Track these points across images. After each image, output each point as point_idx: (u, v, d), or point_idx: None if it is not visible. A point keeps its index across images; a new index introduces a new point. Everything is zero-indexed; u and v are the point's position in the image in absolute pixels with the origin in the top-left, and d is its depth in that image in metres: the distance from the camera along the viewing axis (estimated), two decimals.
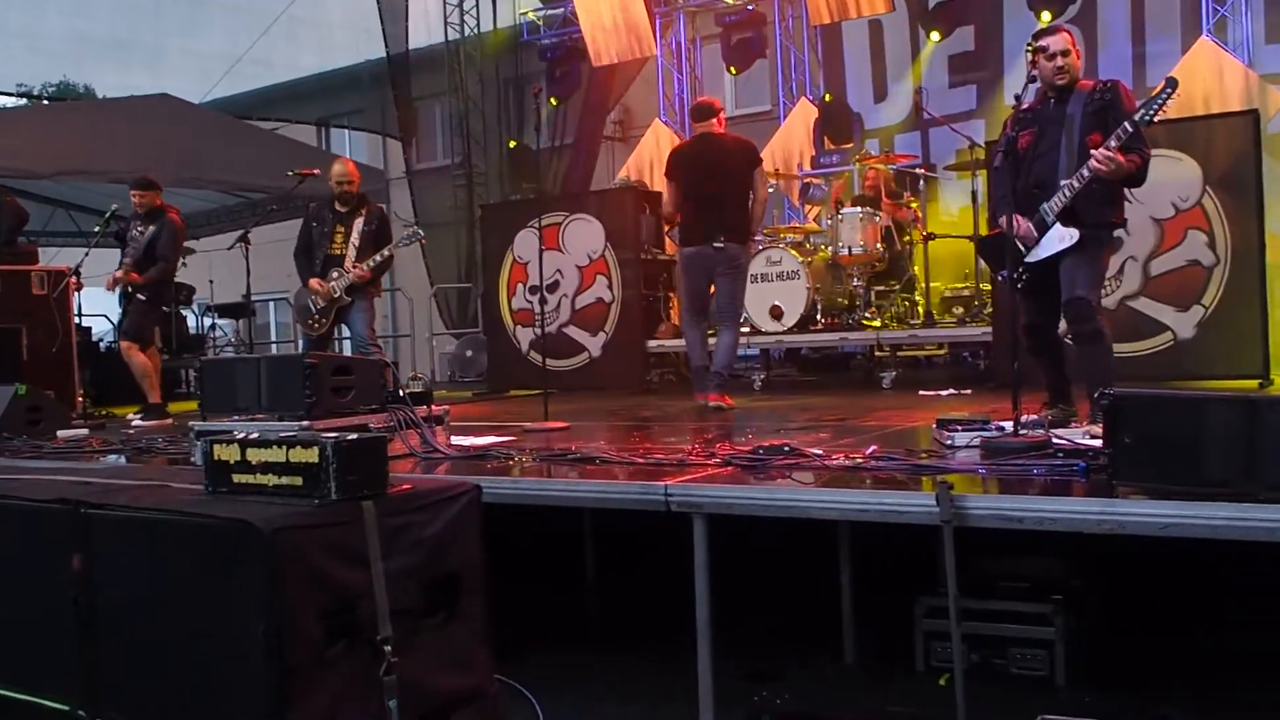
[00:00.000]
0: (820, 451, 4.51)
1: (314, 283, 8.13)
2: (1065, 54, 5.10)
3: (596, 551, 5.95)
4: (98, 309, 14.10)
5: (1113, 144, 4.81)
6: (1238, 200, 7.27)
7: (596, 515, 5.64)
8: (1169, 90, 4.82)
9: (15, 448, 6.59)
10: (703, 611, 3.87)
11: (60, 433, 7.34)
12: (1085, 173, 4.89)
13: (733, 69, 13.49)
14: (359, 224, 8.09)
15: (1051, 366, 5.32)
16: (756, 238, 8.54)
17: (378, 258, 8.00)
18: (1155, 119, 4.82)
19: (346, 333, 8.62)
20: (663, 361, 10.86)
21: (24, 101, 13.90)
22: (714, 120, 7.63)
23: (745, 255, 7.70)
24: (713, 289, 7.66)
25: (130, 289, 8.89)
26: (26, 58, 13.12)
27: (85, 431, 7.57)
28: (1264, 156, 7.35)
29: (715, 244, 7.39)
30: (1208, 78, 9.93)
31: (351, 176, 8.23)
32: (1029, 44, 5.18)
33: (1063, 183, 5.00)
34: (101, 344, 13.28)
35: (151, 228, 8.89)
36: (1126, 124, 4.80)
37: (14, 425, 7.16)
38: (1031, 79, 5.17)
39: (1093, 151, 4.85)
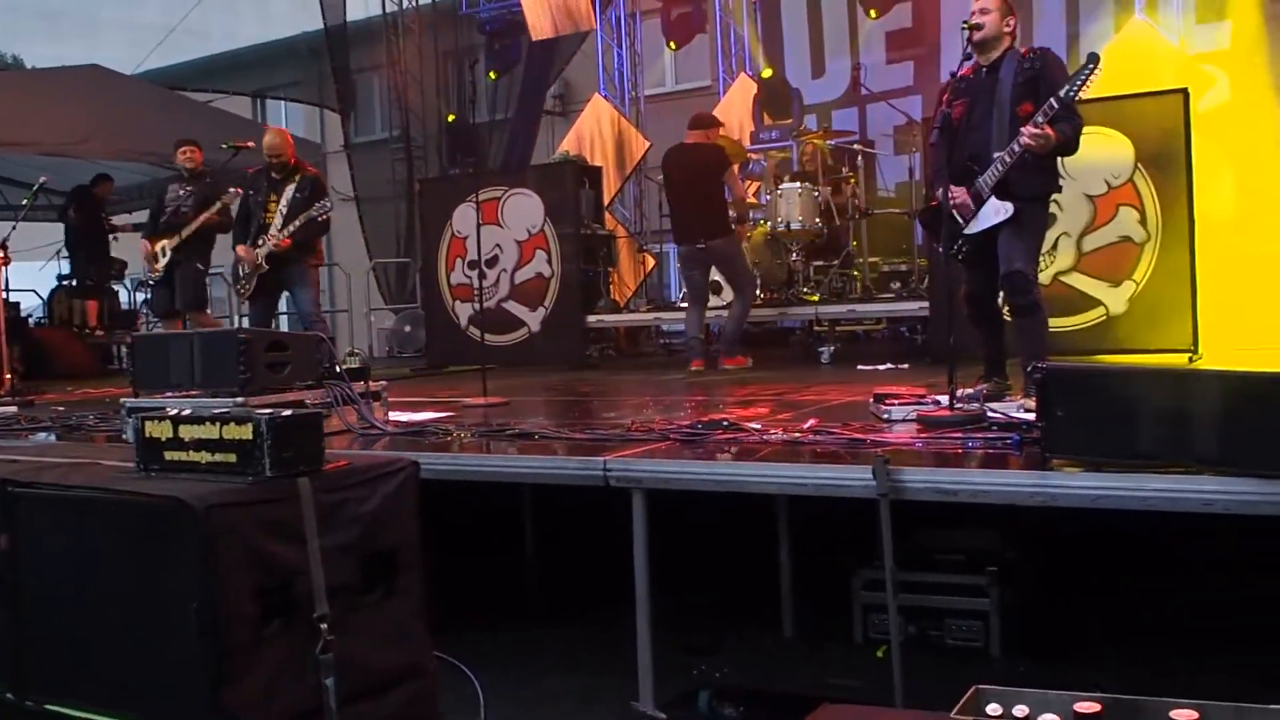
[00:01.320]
0: (759, 426, 4.53)
1: (240, 249, 8.15)
2: (984, 11, 5.12)
3: (536, 526, 5.94)
4: (26, 284, 13.82)
5: (1040, 119, 4.86)
6: (1169, 178, 7.38)
7: (536, 490, 5.63)
8: (1090, 65, 4.84)
9: None
10: (642, 586, 3.89)
11: None
12: (1016, 147, 4.94)
13: (672, 44, 13.47)
14: (289, 191, 8.01)
15: (990, 338, 5.38)
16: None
17: (295, 224, 7.91)
18: (1079, 94, 4.87)
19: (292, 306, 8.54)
20: (602, 337, 10.84)
21: None
22: (704, 132, 8.56)
23: (732, 244, 8.61)
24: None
25: (174, 253, 8.83)
26: None
27: (13, 409, 7.41)
28: (1194, 135, 7.46)
29: (698, 245, 8.43)
30: (1140, 57, 10.06)
31: (280, 148, 8.17)
32: (965, 24, 5.13)
33: (996, 155, 5.03)
34: (31, 319, 13.02)
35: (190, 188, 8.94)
36: (1053, 100, 4.85)
37: None
38: (967, 55, 5.20)
39: (1023, 129, 4.90)
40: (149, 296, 9.44)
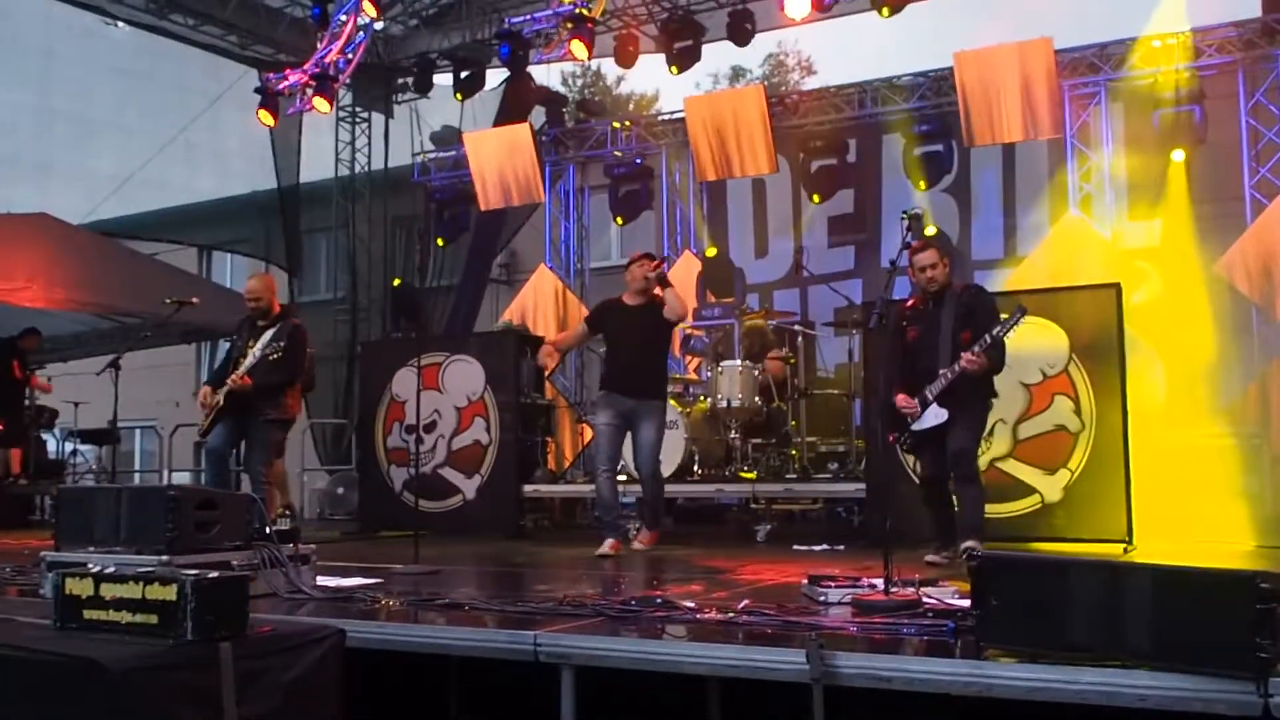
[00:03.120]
0: (693, 604, 4.48)
1: (204, 389, 8.07)
2: (934, 266, 6.56)
3: (461, 700, 5.76)
4: None
5: (978, 348, 6.23)
6: (1102, 368, 7.59)
7: (463, 663, 5.49)
8: (1019, 315, 6.21)
9: None
10: None
11: None
12: (957, 368, 6.28)
13: (619, 219, 13.78)
14: (266, 336, 7.80)
15: (941, 514, 6.59)
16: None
17: (251, 370, 7.72)
18: (1007, 336, 6.25)
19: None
20: (538, 506, 10.76)
21: None
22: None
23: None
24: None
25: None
26: None
27: None
28: (1127, 327, 7.72)
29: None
30: (1075, 250, 10.48)
31: (259, 292, 8.11)
32: (904, 213, 6.34)
33: (941, 370, 6.36)
34: None
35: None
36: (987, 337, 6.22)
37: None
38: (906, 245, 6.12)
39: (963, 355, 6.25)
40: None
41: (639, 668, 3.79)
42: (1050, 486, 7.66)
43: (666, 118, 14.53)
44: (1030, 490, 7.71)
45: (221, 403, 7.87)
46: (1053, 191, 11.57)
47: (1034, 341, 7.49)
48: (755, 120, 12.05)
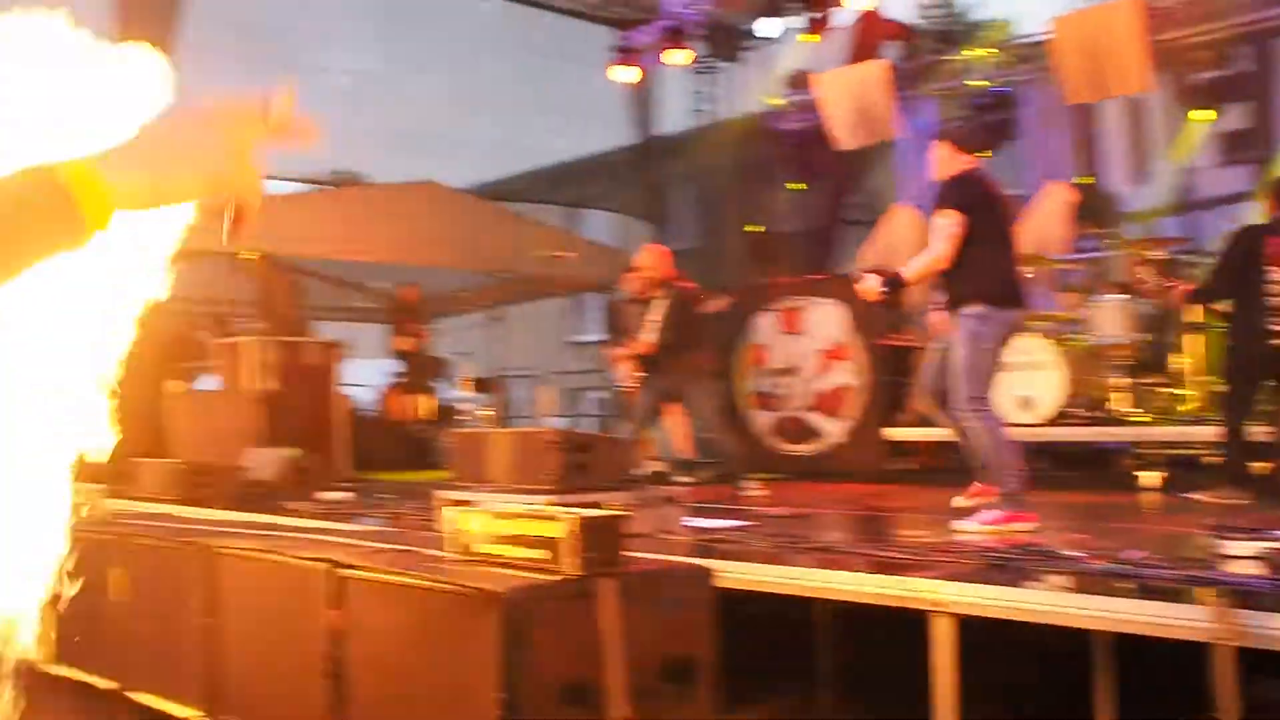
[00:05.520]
0: (1077, 553, 4.25)
1: (612, 351, 9.05)
2: None
3: (830, 645, 5.77)
4: (362, 379, 14.96)
5: None
6: None
7: (829, 607, 5.48)
8: None
9: (284, 506, 6.99)
10: (943, 718, 3.68)
11: (324, 494, 7.74)
12: None
13: (982, 152, 13.20)
14: (659, 305, 8.55)
15: None
16: None
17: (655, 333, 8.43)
18: None
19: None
20: (904, 450, 10.56)
21: (308, 187, 14.96)
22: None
23: None
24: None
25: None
26: (312, 147, 14.11)
27: (348, 494, 7.96)
28: None
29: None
30: None
31: (647, 263, 8.83)
32: None
33: None
34: (363, 412, 14.01)
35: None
36: None
37: (284, 485, 7.63)
38: None
39: None
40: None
41: (1017, 618, 3.63)
42: None
43: (1028, 41, 13.76)
44: None
45: (632, 367, 8.63)
46: None
47: None
48: (1129, 35, 11.14)
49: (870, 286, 5.88)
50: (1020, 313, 5.82)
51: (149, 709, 4.51)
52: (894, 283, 5.78)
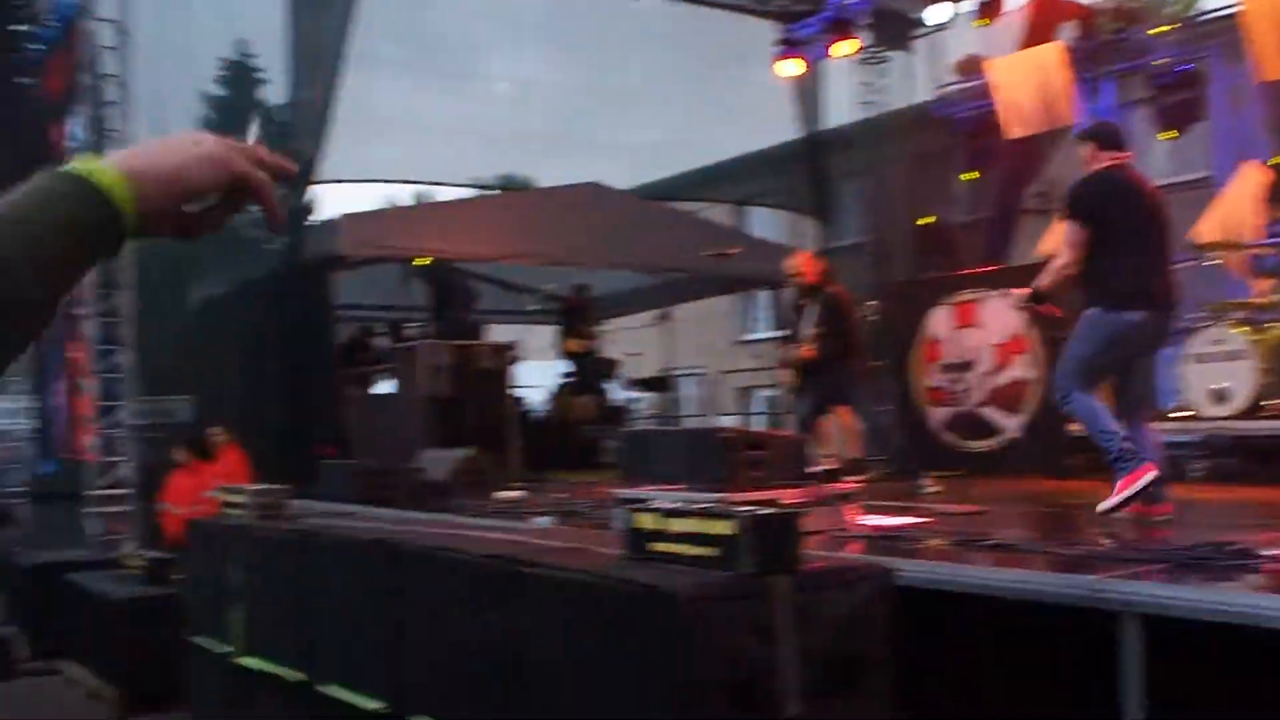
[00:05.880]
0: (1276, 551, 4.02)
1: (784, 351, 9.14)
2: None
3: (1006, 643, 5.60)
4: (533, 380, 15.26)
5: None
6: None
7: (1013, 606, 5.32)
8: None
9: (459, 506, 7.19)
10: None
11: (498, 494, 7.92)
12: None
13: (1166, 133, 12.64)
14: (812, 308, 8.68)
15: None
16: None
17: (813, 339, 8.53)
18: None
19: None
20: (1086, 445, 10.16)
21: (476, 192, 15.33)
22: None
23: None
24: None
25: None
26: (476, 153, 14.43)
27: (521, 494, 8.13)
28: None
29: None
30: None
31: (796, 269, 8.92)
32: None
33: None
34: (535, 413, 14.29)
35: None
36: None
37: (459, 485, 7.84)
38: None
39: None
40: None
41: (1213, 619, 3.46)
42: None
43: (1216, 15, 13.11)
44: None
45: (797, 371, 8.74)
46: None
47: None
48: None
49: (1016, 303, 6.35)
50: (1150, 314, 5.66)
51: (337, 701, 4.68)
52: (1036, 297, 6.04)
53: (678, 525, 3.30)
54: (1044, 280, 5.94)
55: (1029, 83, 12.86)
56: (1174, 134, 12.63)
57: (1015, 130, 13.12)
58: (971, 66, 14.65)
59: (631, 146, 14.66)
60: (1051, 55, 12.74)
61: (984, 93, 13.71)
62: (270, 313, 11.78)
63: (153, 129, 11.98)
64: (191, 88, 14.75)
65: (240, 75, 20.67)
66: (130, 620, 7.51)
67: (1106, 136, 5.90)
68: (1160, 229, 5.76)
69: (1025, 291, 6.17)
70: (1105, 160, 5.75)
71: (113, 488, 10.22)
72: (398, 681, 4.34)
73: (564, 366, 14.19)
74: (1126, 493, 5.45)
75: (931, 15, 14.24)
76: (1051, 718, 5.09)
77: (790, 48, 13.86)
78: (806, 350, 8.58)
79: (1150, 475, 5.42)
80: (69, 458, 11.40)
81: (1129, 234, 5.61)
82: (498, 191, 15.77)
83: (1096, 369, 5.80)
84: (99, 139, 10.27)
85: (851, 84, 15.73)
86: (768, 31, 14.73)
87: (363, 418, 11.95)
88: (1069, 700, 4.71)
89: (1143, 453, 5.61)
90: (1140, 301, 5.60)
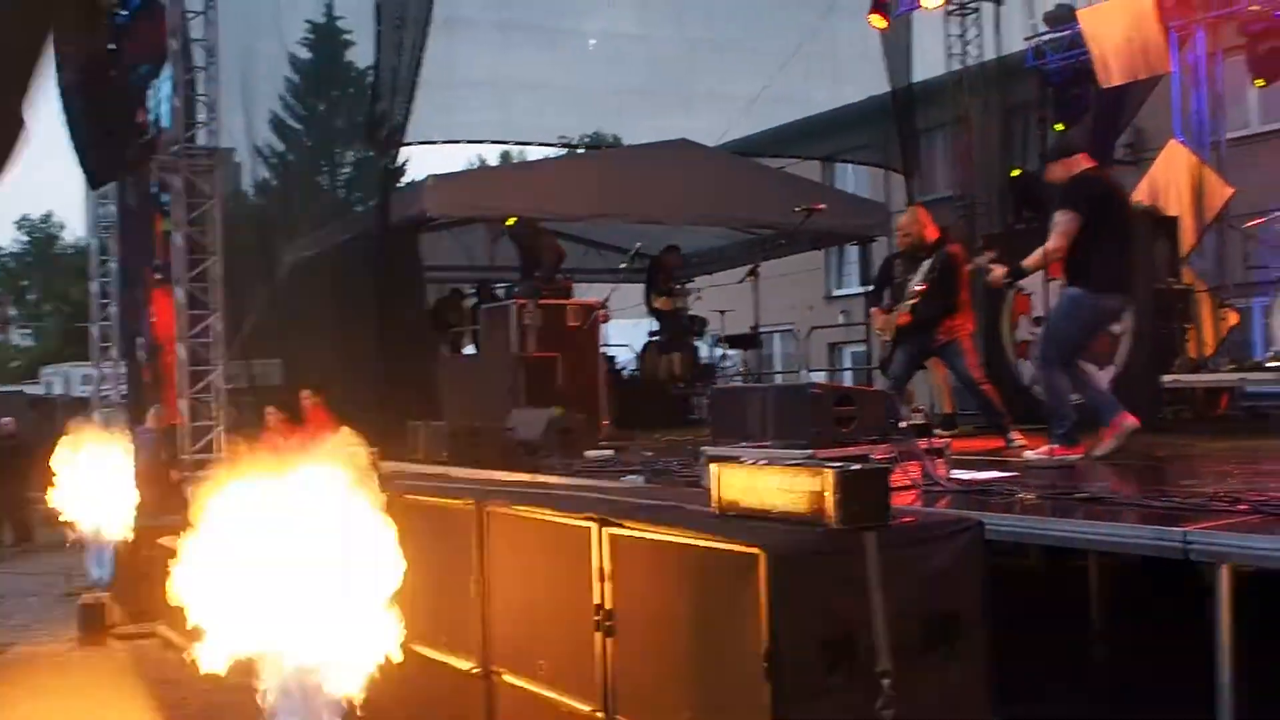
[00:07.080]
0: None
1: (876, 314, 8.84)
2: None
3: (1102, 599, 5.62)
4: (622, 339, 15.36)
5: None
6: None
7: (1103, 559, 5.33)
8: None
9: (550, 464, 7.32)
10: (1223, 674, 3.55)
11: (588, 452, 8.05)
12: None
13: (1260, 81, 12.26)
14: (924, 267, 8.32)
15: None
16: None
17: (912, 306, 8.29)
18: None
19: None
20: (1177, 398, 10.02)
21: (564, 151, 15.39)
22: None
23: None
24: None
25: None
26: (567, 111, 14.49)
27: (610, 453, 8.24)
28: None
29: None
30: None
31: (908, 226, 8.62)
32: None
33: None
34: (624, 371, 14.39)
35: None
36: None
37: (550, 444, 7.98)
38: None
39: None
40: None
41: None
42: None
43: None
44: None
45: (894, 335, 8.50)
46: None
47: None
48: None
49: (996, 277, 7.08)
50: (1122, 299, 6.77)
51: (428, 659, 4.84)
52: (1017, 272, 6.98)
53: (767, 481, 3.36)
54: (1030, 261, 6.77)
55: (1120, 32, 12.53)
56: (1264, 82, 12.23)
57: (1107, 80, 12.82)
58: (1062, 16, 14.31)
59: (721, 102, 14.59)
60: (1143, 4, 12.38)
61: (1075, 43, 13.40)
62: (360, 275, 11.97)
63: (240, 93, 12.20)
64: (278, 51, 14.87)
65: (327, 38, 20.79)
66: None
67: (1086, 145, 7.09)
68: (1129, 224, 6.87)
69: (1003, 270, 7.04)
70: (1086, 164, 6.75)
71: (203, 452, 10.32)
72: (486, 640, 4.47)
73: (653, 325, 14.27)
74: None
75: None
76: (1145, 668, 5.12)
77: (880, 1, 13.68)
78: (903, 317, 8.34)
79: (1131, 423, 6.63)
80: (159, 423, 11.60)
81: (1114, 228, 6.55)
82: (585, 150, 15.82)
83: (1079, 347, 6.88)
84: (188, 104, 10.37)
85: (942, 36, 15.48)
86: None
87: (453, 378, 12.14)
88: (1163, 650, 4.74)
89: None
90: (1118, 288, 6.64)
